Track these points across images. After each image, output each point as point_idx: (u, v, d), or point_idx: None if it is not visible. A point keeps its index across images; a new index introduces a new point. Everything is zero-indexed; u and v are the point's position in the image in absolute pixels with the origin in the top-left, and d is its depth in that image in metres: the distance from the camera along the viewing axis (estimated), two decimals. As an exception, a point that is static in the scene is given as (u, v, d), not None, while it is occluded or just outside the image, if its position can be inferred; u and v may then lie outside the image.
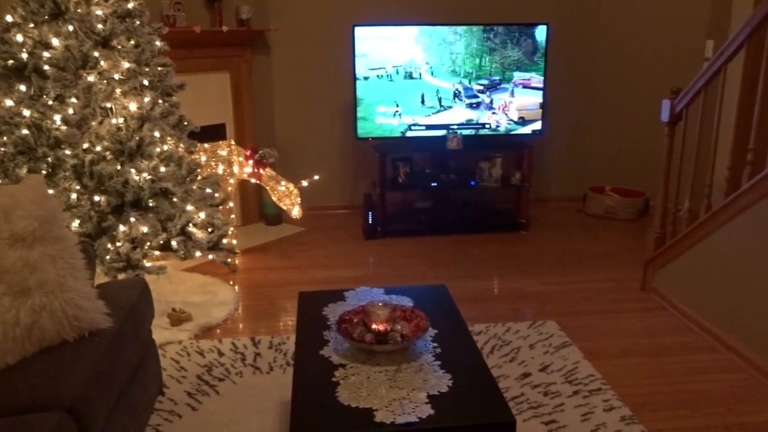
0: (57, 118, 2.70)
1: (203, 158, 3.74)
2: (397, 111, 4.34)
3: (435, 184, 4.46)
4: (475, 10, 4.55)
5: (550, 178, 5.03)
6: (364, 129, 4.35)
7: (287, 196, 3.99)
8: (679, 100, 3.18)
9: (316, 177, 4.26)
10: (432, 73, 4.29)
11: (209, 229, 3.03)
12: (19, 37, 2.71)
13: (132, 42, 2.86)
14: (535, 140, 4.54)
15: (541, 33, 4.30)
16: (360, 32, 4.19)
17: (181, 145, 3.04)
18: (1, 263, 1.71)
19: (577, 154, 5.02)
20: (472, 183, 4.47)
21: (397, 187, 4.47)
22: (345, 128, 4.63)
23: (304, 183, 4.12)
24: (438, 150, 4.43)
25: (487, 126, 4.39)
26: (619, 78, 4.79)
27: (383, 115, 4.34)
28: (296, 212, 4.00)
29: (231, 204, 3.96)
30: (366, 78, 4.25)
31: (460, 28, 4.24)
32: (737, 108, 2.96)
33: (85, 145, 2.74)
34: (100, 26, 2.75)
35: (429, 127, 4.39)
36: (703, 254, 3.00)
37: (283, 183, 3.98)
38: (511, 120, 4.41)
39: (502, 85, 4.35)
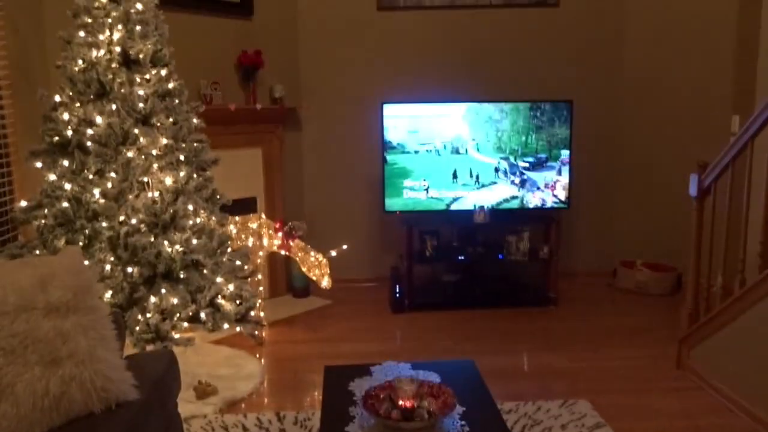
0: (96, 191, 2.80)
1: (234, 231, 3.81)
2: (424, 185, 4.40)
3: (462, 257, 4.45)
4: (505, 88, 4.66)
5: (578, 252, 4.99)
6: (391, 203, 4.40)
7: (317, 267, 4.01)
8: (707, 175, 3.18)
9: (345, 247, 4.28)
10: (478, 149, 4.37)
11: (237, 301, 3.05)
12: (65, 116, 2.85)
13: (170, 119, 2.98)
14: (562, 214, 4.53)
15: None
16: (395, 110, 4.31)
17: (213, 217, 3.11)
18: (35, 333, 1.73)
19: (605, 228, 4.99)
20: (500, 256, 4.46)
21: (424, 260, 4.48)
22: (373, 201, 4.69)
23: (333, 253, 4.15)
24: (465, 224, 4.44)
25: (526, 203, 4.42)
26: (646, 152, 4.81)
27: (411, 189, 4.40)
28: (326, 282, 4.00)
29: (260, 276, 3.99)
30: (416, 152, 4.35)
31: (506, 106, 4.33)
32: (767, 182, 2.94)
33: (121, 218, 2.82)
34: (141, 105, 2.88)
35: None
36: (740, 331, 2.91)
37: (313, 254, 4.01)
38: (558, 198, 4.43)
39: (549, 163, 4.39)
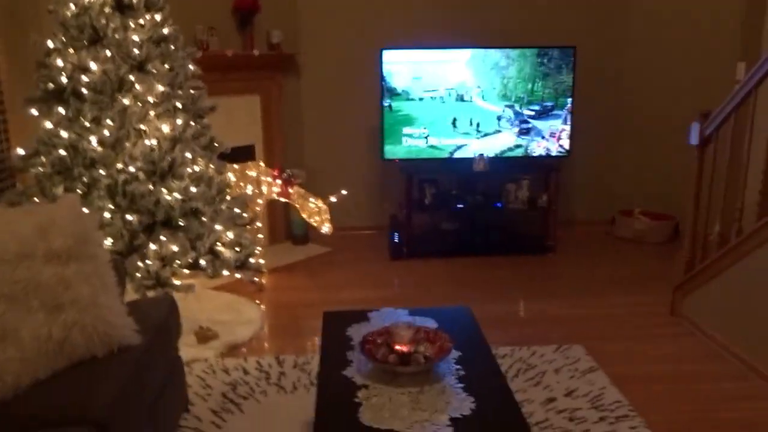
0: (93, 139, 2.79)
1: (233, 178, 3.80)
2: (424, 133, 4.37)
3: (461, 205, 4.46)
4: (512, 33, 4.57)
5: (577, 201, 5.00)
6: (391, 150, 4.39)
7: (317, 213, 4.04)
8: (709, 124, 3.15)
9: (344, 192, 4.28)
10: (483, 97, 4.32)
11: (237, 248, 3.08)
12: (59, 62, 2.81)
13: (166, 66, 2.94)
14: (562, 162, 4.52)
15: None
16: (396, 56, 4.25)
17: (212, 165, 3.10)
18: (36, 279, 1.76)
19: (605, 177, 4.99)
20: (498, 205, 4.47)
21: (423, 208, 4.49)
22: (372, 149, 4.67)
23: (333, 199, 4.16)
24: (464, 172, 4.44)
25: (530, 152, 4.40)
26: (648, 100, 4.76)
27: (410, 137, 4.38)
28: (326, 228, 4.04)
29: (259, 224, 4.00)
30: (421, 99, 4.30)
31: (512, 52, 4.27)
32: (768, 131, 2.92)
33: (119, 166, 2.82)
34: (136, 51, 2.84)
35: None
36: (734, 280, 2.95)
37: (312, 200, 4.03)
38: (562, 147, 4.41)
39: (555, 111, 4.35)
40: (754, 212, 2.84)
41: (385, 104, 4.31)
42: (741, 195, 2.98)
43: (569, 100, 4.34)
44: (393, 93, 4.30)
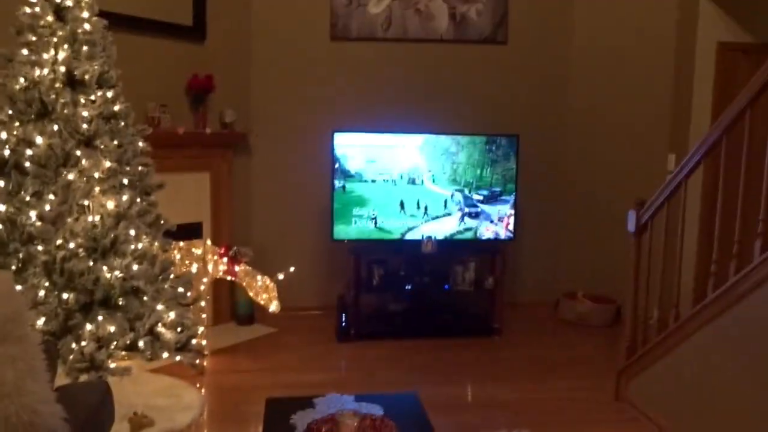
0: (32, 214, 2.70)
1: (177, 256, 3.73)
2: (372, 215, 4.42)
3: (409, 287, 4.47)
4: (455, 122, 4.75)
5: (523, 283, 5.07)
6: (340, 231, 4.40)
7: (264, 291, 3.97)
8: (644, 212, 3.29)
9: (292, 269, 4.24)
10: (433, 181, 4.43)
11: (179, 329, 2.97)
12: (3, 135, 2.76)
13: (115, 142, 2.92)
14: (508, 245, 4.62)
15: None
16: (349, 139, 4.34)
17: (156, 243, 3.04)
18: (-42, 363, 1.64)
19: (550, 260, 5.10)
20: (446, 287, 4.50)
21: (371, 289, 4.47)
22: (321, 229, 4.67)
23: (281, 276, 4.10)
24: (413, 253, 4.47)
25: (479, 235, 4.48)
26: (588, 187, 4.96)
27: (360, 218, 4.41)
28: (274, 307, 3.96)
29: (203, 303, 3.90)
30: (373, 181, 4.38)
31: (462, 139, 4.43)
32: (699, 220, 3.07)
33: (59, 242, 2.73)
34: (84, 126, 2.81)
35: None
36: (674, 364, 3.00)
37: (260, 277, 3.96)
38: (510, 231, 4.50)
39: (503, 197, 4.47)
40: (690, 297, 2.93)
41: (338, 185, 4.35)
42: (677, 280, 3.09)
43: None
44: (347, 175, 4.36)
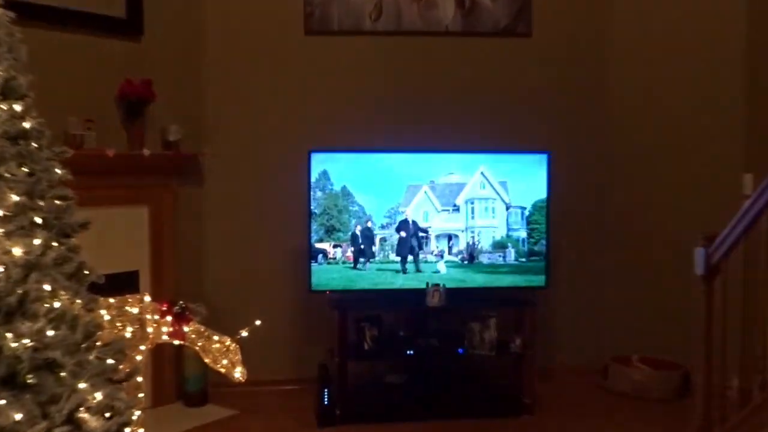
0: None
1: (107, 317, 3.68)
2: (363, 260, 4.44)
3: (411, 351, 4.42)
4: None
5: (560, 344, 5.05)
6: (320, 279, 4.38)
7: (224, 355, 3.89)
8: (715, 249, 3.27)
9: (258, 322, 4.17)
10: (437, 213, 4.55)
11: (107, 414, 2.90)
12: None
13: (24, 169, 2.88)
14: (539, 296, 4.61)
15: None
16: (329, 161, 4.40)
17: (78, 300, 2.98)
18: None
19: (594, 314, 5.09)
20: (460, 351, 4.46)
21: (362, 355, 4.44)
22: (295, 278, 4.65)
23: (244, 333, 4.02)
24: (415, 307, 4.46)
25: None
26: (641, 218, 4.98)
27: (345, 263, 4.43)
28: (239, 373, 3.87)
29: (140, 378, 3.83)
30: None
31: (470, 157, 4.57)
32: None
33: (-51, 302, 2.68)
34: (-16, 149, 2.79)
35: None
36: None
37: (217, 338, 3.89)
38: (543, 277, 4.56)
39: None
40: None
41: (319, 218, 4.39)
42: (762, 338, 3.05)
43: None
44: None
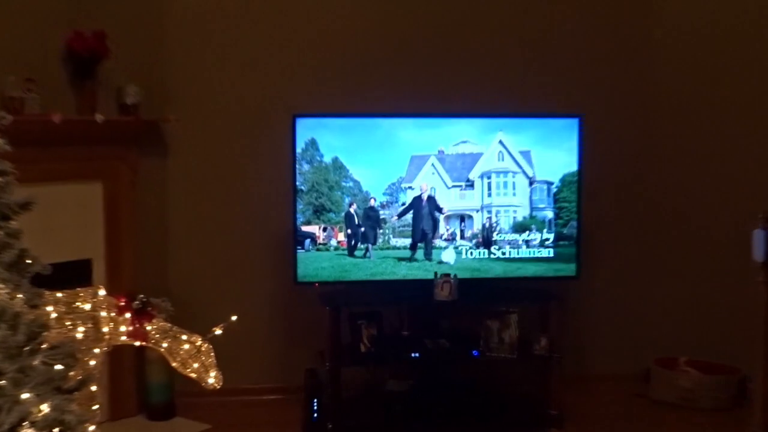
0: None
1: (54, 315, 3.68)
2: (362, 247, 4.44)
3: (417, 354, 4.42)
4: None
5: (593, 347, 5.06)
6: (308, 268, 4.39)
7: (194, 358, 3.90)
8: (780, 230, 3.27)
9: (234, 318, 4.17)
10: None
11: (56, 429, 2.92)
12: None
13: (-47, 138, 2.88)
14: (567, 287, 4.60)
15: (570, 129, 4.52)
16: (311, 126, 4.38)
17: (20, 295, 2.99)
18: None
19: (633, 309, 5.09)
20: (475, 354, 4.46)
21: (358, 359, 4.43)
22: (278, 268, 4.66)
23: (218, 331, 4.01)
24: (422, 302, 4.46)
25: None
26: (690, 197, 4.99)
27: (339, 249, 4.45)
28: (213, 378, 3.87)
29: (94, 387, 3.84)
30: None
31: (484, 122, 4.57)
32: None
33: None
34: None
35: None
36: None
37: (185, 337, 3.89)
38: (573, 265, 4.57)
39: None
40: None
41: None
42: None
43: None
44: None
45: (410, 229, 4.50)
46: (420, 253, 4.52)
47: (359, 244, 4.48)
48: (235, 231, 4.81)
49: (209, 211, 4.80)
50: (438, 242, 4.53)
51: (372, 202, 4.46)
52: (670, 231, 5.04)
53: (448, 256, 4.53)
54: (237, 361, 4.40)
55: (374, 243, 4.49)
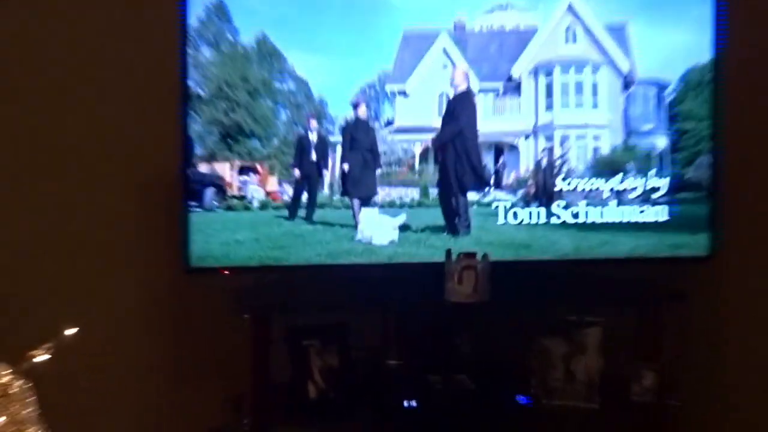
0: None
1: None
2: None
3: (414, 403, 4.26)
4: None
5: (741, 382, 4.98)
6: (210, 244, 4.15)
7: (2, 404, 3.73)
8: None
9: (71, 331, 3.96)
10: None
11: None
12: None
13: None
14: (695, 278, 4.42)
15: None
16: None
17: None
18: None
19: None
20: (522, 400, 4.31)
21: (303, 411, 4.30)
22: (155, 244, 4.56)
23: (41, 357, 3.83)
24: (422, 306, 4.34)
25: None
26: None
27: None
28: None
29: None
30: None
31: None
32: None
33: None
34: None
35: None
36: None
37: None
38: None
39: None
40: None
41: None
42: None
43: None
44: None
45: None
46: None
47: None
48: (72, 180, 4.66)
49: (26, 152, 4.64)
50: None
51: (361, 112, 4.37)
52: None
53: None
54: (84, 414, 4.36)
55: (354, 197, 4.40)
